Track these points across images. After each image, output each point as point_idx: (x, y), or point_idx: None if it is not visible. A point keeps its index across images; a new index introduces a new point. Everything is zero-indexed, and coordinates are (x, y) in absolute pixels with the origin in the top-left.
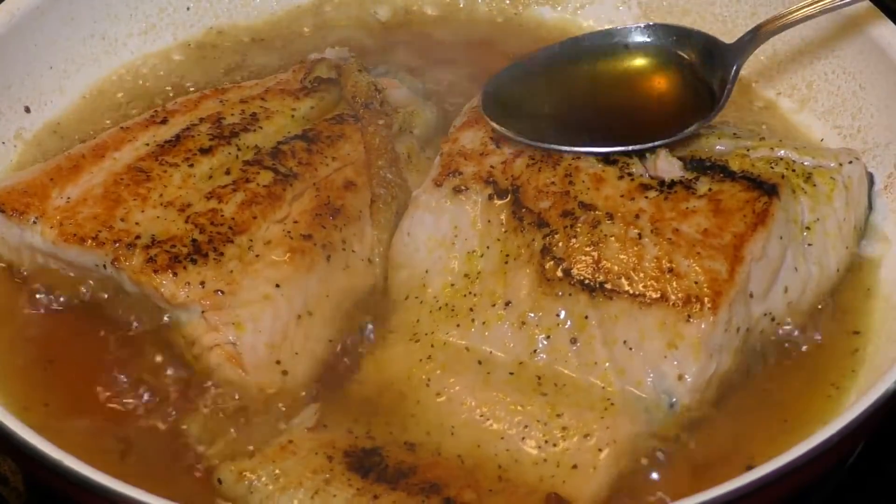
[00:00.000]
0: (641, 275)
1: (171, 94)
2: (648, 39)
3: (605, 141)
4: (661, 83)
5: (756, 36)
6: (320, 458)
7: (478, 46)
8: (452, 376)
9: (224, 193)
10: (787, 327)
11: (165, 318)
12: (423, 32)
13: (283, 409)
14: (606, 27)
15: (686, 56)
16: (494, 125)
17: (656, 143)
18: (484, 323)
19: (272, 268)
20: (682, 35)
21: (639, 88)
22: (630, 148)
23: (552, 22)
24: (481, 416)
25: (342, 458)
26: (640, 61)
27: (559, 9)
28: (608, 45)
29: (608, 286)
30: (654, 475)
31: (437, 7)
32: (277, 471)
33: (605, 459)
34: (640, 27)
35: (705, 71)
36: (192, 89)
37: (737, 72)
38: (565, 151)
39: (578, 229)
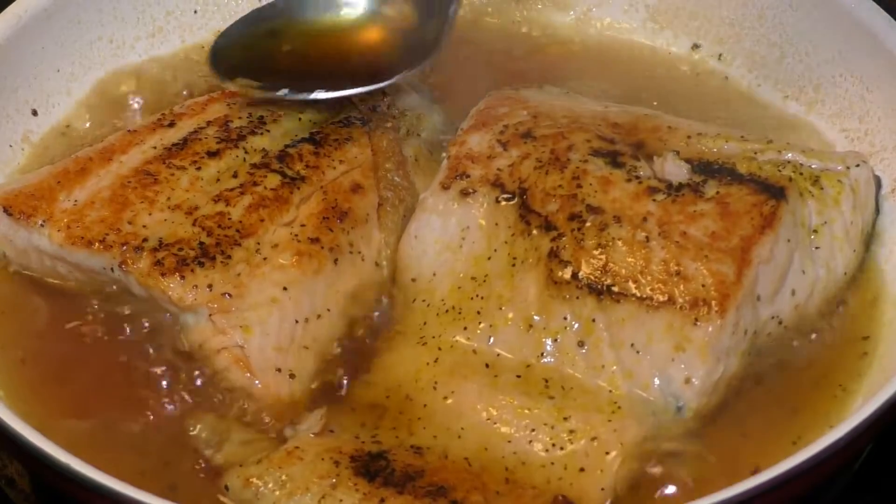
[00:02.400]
0: (649, 278)
1: (178, 98)
2: None
3: (334, 87)
4: (379, 31)
5: None
6: (327, 463)
7: (484, 50)
8: (460, 379)
9: (231, 196)
10: (795, 330)
11: (173, 321)
12: None
13: (290, 412)
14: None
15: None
16: (227, 82)
17: (376, 86)
18: (491, 326)
19: (279, 271)
20: None
21: (360, 36)
22: (354, 91)
23: (559, 25)
24: (488, 418)
25: (348, 462)
26: (359, 11)
27: (567, 12)
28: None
29: (616, 289)
30: (661, 478)
31: None
32: (284, 476)
33: (612, 462)
34: None
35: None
36: (199, 93)
37: (454, 13)
38: (292, 98)
39: (586, 232)
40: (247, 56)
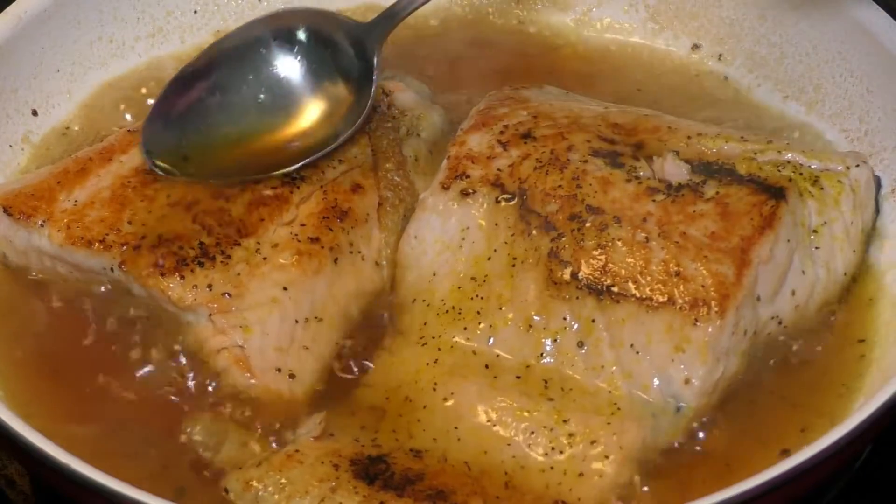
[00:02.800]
0: (649, 278)
1: None
2: (288, 45)
3: (267, 165)
4: (307, 90)
5: (393, 14)
6: (326, 466)
7: (484, 50)
8: (459, 380)
9: (231, 196)
10: (795, 330)
11: (173, 321)
12: (428, 36)
13: (290, 413)
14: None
15: (325, 49)
16: (161, 167)
17: (308, 160)
18: (491, 326)
19: (279, 271)
20: (316, 23)
21: (288, 101)
22: (289, 169)
23: (559, 25)
24: (488, 421)
25: (348, 466)
26: (284, 69)
27: (567, 12)
28: (247, 55)
29: (615, 289)
30: (660, 479)
31: (444, 11)
32: (283, 480)
33: (611, 466)
34: (275, 26)
35: (347, 61)
36: None
37: (378, 59)
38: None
39: (586, 232)
40: (177, 134)
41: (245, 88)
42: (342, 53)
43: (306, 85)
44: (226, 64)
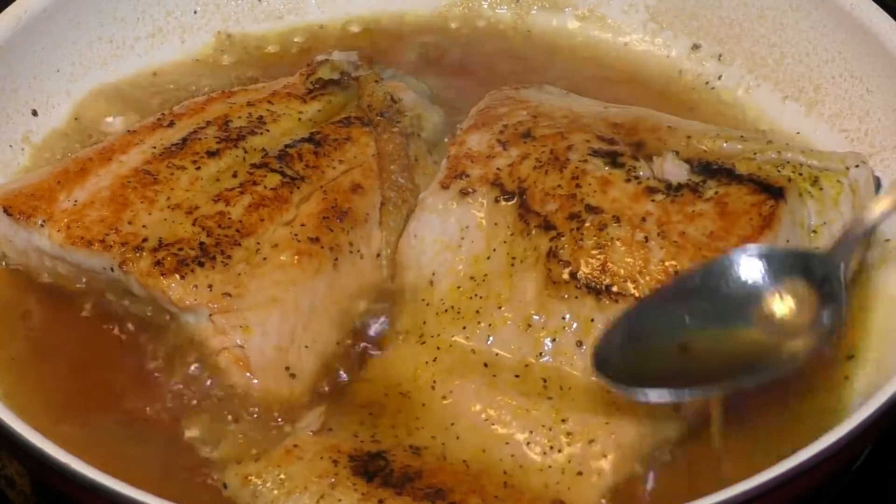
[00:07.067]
0: (648, 278)
1: (177, 97)
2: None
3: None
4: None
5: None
6: (325, 462)
7: (484, 50)
8: (458, 378)
9: (231, 196)
10: None
11: (173, 321)
12: (428, 36)
13: (289, 411)
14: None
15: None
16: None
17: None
18: (490, 325)
19: (280, 270)
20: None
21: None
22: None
23: (559, 25)
24: (487, 419)
25: (347, 462)
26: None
27: (567, 12)
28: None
29: (614, 289)
30: (658, 480)
31: (444, 11)
32: (282, 475)
33: (610, 465)
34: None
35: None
36: (198, 92)
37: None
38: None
39: (585, 232)
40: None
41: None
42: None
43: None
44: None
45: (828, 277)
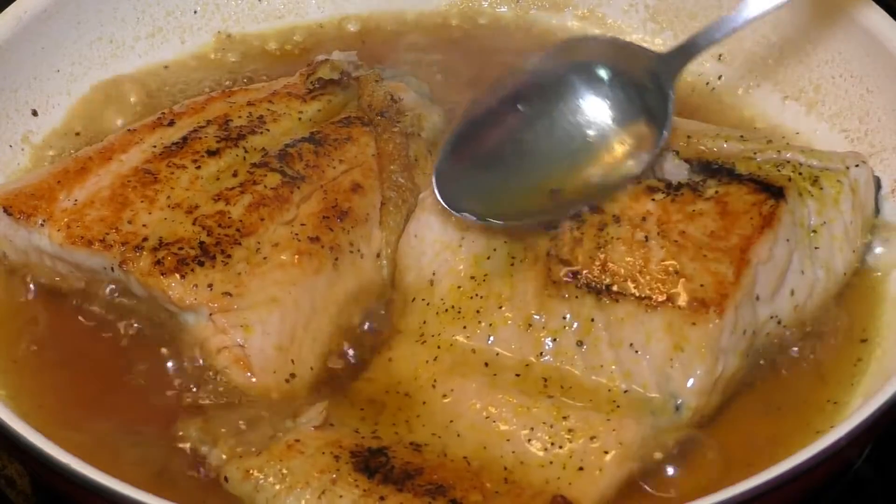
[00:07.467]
0: (648, 277)
1: (178, 97)
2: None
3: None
4: (610, 128)
5: (692, 44)
6: (327, 457)
7: (484, 50)
8: (459, 377)
9: (231, 195)
10: (794, 330)
11: (173, 321)
12: (428, 35)
13: (290, 409)
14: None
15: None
16: (468, 215)
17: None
18: (490, 325)
19: (280, 270)
20: (607, 53)
21: (592, 141)
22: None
23: (559, 25)
24: (487, 417)
25: (348, 457)
26: (587, 108)
27: (567, 12)
28: (543, 83)
29: (614, 288)
30: (659, 477)
31: (443, 11)
32: (284, 470)
33: (611, 462)
34: (562, 55)
35: (647, 97)
36: (199, 92)
37: (672, 93)
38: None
39: (585, 231)
40: (470, 173)
41: (547, 130)
42: (641, 88)
43: (609, 123)
44: (525, 103)
45: (659, 80)
